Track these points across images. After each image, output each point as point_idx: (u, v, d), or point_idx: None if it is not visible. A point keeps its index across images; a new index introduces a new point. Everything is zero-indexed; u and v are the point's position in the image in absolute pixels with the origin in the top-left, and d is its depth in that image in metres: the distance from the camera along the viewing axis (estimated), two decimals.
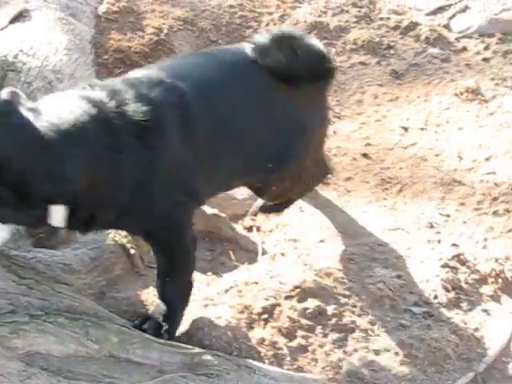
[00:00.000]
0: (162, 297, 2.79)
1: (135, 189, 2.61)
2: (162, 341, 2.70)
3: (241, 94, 2.87)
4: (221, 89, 2.84)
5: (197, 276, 2.95)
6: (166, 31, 3.68)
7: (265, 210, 3.28)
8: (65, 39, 3.47)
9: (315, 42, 2.96)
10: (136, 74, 2.74)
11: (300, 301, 2.87)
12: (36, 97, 2.99)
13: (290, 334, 2.79)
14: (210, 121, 2.77)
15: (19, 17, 3.52)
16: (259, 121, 2.88)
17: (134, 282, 3.03)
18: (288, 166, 2.95)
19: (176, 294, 2.80)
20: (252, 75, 2.89)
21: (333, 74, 2.99)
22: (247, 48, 2.87)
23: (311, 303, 2.85)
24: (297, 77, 2.86)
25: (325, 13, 3.98)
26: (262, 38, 2.90)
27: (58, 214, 2.48)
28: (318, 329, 2.79)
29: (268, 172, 2.93)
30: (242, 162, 2.91)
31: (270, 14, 3.95)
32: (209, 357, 2.67)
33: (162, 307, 2.74)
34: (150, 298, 2.95)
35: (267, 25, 3.89)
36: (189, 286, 2.81)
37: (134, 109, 2.57)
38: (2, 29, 3.46)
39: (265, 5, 4.08)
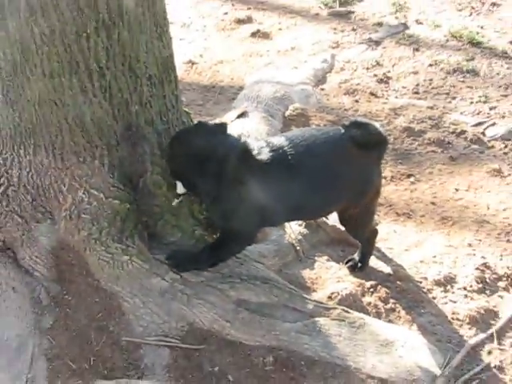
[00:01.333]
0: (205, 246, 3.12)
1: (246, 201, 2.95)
2: (312, 298, 3.20)
3: (329, 155, 3.04)
4: (316, 152, 3.01)
5: (335, 265, 3.50)
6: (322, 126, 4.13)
7: (352, 267, 3.48)
8: (265, 129, 4.03)
9: (378, 125, 3.16)
10: (276, 138, 3.06)
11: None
12: None
13: (385, 300, 3.36)
14: (307, 174, 3.00)
15: (242, 115, 4.04)
16: (343, 173, 3.08)
17: (297, 265, 3.50)
18: (362, 198, 3.18)
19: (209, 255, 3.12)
20: (341, 143, 3.06)
21: (386, 145, 3.25)
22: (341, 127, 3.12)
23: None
24: (368, 145, 3.09)
25: (412, 122, 4.50)
26: (349, 121, 3.17)
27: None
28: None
29: (349, 202, 3.16)
30: (332, 200, 3.18)
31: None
32: (337, 310, 3.13)
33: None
34: (306, 274, 3.46)
35: None
36: (217, 260, 3.12)
37: (260, 157, 2.94)
38: (232, 121, 3.96)
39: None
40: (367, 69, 5.02)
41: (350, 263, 3.53)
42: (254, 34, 5.30)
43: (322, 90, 4.78)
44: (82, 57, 2.84)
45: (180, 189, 3.09)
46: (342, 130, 3.10)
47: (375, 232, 3.50)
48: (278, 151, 2.98)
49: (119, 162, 3.12)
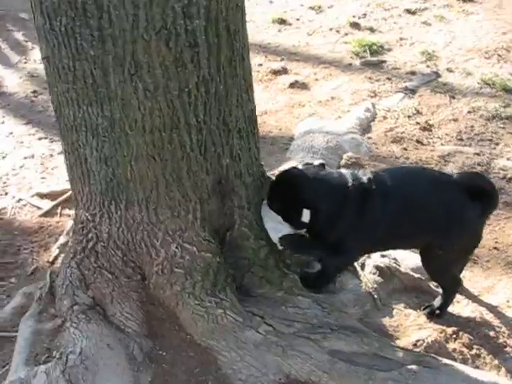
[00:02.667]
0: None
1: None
2: (397, 345, 3.17)
3: (429, 192, 3.13)
4: (415, 188, 3.12)
5: (414, 312, 3.46)
6: None
7: (430, 314, 3.43)
8: None
9: (490, 181, 3.35)
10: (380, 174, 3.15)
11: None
12: None
13: (469, 346, 3.33)
14: (400, 206, 3.07)
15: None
16: (438, 210, 3.12)
17: (377, 314, 3.46)
18: (450, 240, 3.16)
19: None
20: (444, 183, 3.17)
21: (494, 200, 3.25)
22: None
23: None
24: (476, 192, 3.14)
25: (462, 168, 4.50)
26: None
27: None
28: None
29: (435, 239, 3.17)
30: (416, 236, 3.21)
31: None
32: (427, 358, 3.09)
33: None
34: (387, 322, 3.42)
35: None
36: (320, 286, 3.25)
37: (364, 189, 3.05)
38: None
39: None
40: (408, 117, 5.06)
41: (427, 310, 3.50)
42: (292, 85, 5.35)
43: (369, 138, 4.82)
44: (182, 112, 2.84)
45: (306, 217, 3.05)
46: (454, 175, 3.23)
47: (459, 281, 3.51)
48: (385, 183, 3.10)
49: (209, 216, 3.10)
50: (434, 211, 3.13)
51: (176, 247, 3.08)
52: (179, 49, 2.73)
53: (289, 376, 3.06)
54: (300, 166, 3.15)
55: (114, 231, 3.11)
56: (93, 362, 2.95)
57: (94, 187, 3.09)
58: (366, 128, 4.88)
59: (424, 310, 3.54)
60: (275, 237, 3.18)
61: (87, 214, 3.14)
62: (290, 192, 3.05)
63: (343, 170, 3.20)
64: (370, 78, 5.56)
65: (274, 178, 3.24)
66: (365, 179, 3.07)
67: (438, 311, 3.49)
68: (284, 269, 3.32)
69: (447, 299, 3.48)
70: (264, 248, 3.28)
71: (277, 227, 3.17)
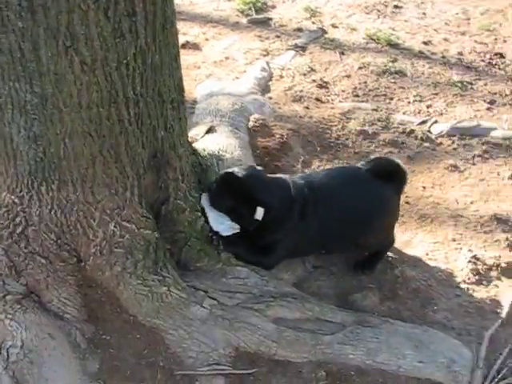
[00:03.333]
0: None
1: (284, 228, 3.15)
2: (340, 308, 3.20)
3: (351, 191, 3.30)
4: (339, 189, 3.28)
5: None
6: (285, 136, 4.26)
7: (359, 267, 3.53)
8: (236, 142, 3.96)
9: (398, 161, 3.54)
10: (299, 177, 3.32)
11: None
12: None
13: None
14: (331, 207, 3.22)
15: (209, 131, 3.98)
16: (362, 205, 3.31)
17: (309, 278, 3.49)
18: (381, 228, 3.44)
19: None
20: (359, 178, 3.37)
21: (405, 179, 3.52)
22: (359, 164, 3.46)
23: None
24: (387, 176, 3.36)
25: (364, 125, 4.60)
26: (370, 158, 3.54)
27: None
28: None
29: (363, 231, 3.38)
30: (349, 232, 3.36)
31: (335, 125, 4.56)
32: (366, 317, 3.17)
33: None
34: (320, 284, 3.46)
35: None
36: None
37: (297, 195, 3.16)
38: (202, 137, 3.93)
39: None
40: (304, 75, 5.07)
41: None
42: (183, 46, 5.16)
43: (270, 98, 4.77)
44: (121, 85, 2.69)
45: (259, 215, 3.06)
46: (363, 167, 3.38)
47: (393, 241, 3.61)
48: (315, 188, 3.23)
49: (145, 191, 2.97)
50: (358, 210, 3.30)
51: (114, 226, 2.93)
52: (118, 18, 2.56)
53: (238, 348, 3.03)
54: (243, 168, 3.18)
55: (45, 214, 2.91)
56: (37, 355, 2.78)
57: (20, 168, 2.86)
58: (264, 88, 4.82)
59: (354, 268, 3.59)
60: (217, 225, 3.15)
61: (13, 197, 2.92)
62: (245, 190, 3.05)
63: (281, 175, 3.34)
64: (259, 37, 5.50)
65: (219, 176, 3.22)
66: (300, 184, 3.18)
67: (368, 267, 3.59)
68: None
69: (381, 257, 3.60)
70: (199, 219, 3.20)
71: (218, 218, 3.13)
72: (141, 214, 2.96)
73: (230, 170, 3.15)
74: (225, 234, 3.09)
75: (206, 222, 3.17)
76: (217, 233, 3.12)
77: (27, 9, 2.46)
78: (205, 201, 3.15)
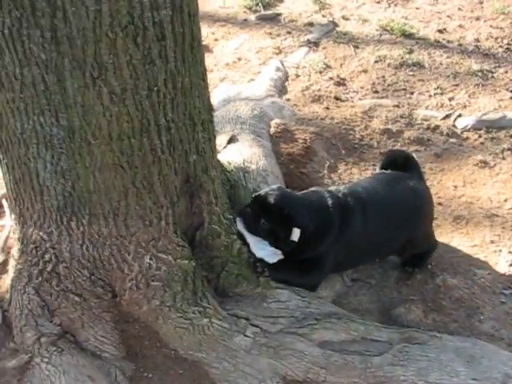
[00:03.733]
0: None
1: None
2: (384, 325, 3.06)
3: (395, 193, 3.28)
4: (383, 194, 3.23)
5: None
6: (308, 141, 4.11)
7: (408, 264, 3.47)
8: (260, 151, 3.80)
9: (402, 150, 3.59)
10: (342, 188, 3.21)
11: None
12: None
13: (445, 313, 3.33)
14: (377, 216, 3.17)
15: (231, 140, 3.83)
16: (408, 204, 3.30)
17: (348, 292, 3.41)
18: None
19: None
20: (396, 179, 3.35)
21: (417, 164, 3.51)
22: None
23: None
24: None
25: (387, 123, 4.44)
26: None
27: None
28: None
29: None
30: (400, 234, 3.30)
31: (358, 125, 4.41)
32: (412, 332, 3.02)
33: None
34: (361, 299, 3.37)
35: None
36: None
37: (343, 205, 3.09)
38: (224, 147, 3.78)
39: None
40: (320, 72, 4.89)
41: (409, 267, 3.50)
42: None
43: (288, 100, 4.61)
44: (152, 113, 2.53)
45: (296, 236, 2.91)
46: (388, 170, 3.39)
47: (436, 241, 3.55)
48: (361, 197, 3.16)
49: (178, 219, 2.81)
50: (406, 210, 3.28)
51: (150, 258, 2.78)
52: (147, 44, 2.40)
53: (285, 377, 2.88)
54: (273, 189, 3.05)
55: (76, 249, 2.76)
56: None
57: (48, 203, 2.71)
58: (281, 89, 4.65)
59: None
60: (259, 252, 3.01)
61: (41, 233, 2.77)
62: (278, 213, 2.91)
63: (316, 188, 3.24)
64: (270, 34, 5.32)
65: (251, 199, 3.05)
66: (341, 196, 3.10)
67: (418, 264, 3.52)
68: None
69: (430, 254, 3.54)
70: (235, 243, 3.04)
71: (259, 244, 2.99)
72: (176, 243, 2.81)
73: (262, 193, 3.01)
74: (270, 261, 2.95)
75: (245, 245, 3.02)
76: (261, 259, 2.96)
77: (51, 40, 2.30)
78: (241, 226, 2.99)
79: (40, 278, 2.81)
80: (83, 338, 2.82)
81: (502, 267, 3.59)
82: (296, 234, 2.91)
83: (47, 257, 2.79)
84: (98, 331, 2.82)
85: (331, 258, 3.09)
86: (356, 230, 3.09)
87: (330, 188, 3.23)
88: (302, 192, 3.20)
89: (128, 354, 2.86)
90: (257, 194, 3.05)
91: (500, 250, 3.70)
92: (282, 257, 2.98)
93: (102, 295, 2.82)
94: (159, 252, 2.78)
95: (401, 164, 3.41)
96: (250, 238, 2.99)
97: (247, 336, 2.90)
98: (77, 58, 2.34)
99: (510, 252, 3.68)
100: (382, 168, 3.48)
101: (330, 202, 3.06)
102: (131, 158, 2.56)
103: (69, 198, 2.65)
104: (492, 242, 3.75)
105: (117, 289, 2.83)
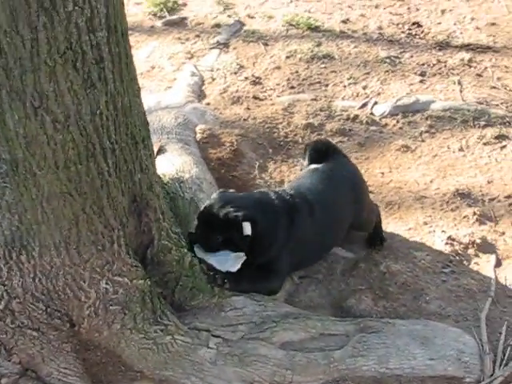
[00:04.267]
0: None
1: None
2: (339, 318, 3.12)
3: (333, 183, 3.36)
4: (326, 194, 3.30)
5: None
6: (235, 143, 4.12)
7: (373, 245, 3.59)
8: (190, 158, 3.79)
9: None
10: (287, 188, 3.27)
11: None
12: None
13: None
14: (324, 213, 3.22)
15: (159, 151, 3.79)
16: (348, 189, 3.39)
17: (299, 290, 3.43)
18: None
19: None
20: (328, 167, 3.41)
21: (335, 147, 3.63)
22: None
23: None
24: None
25: (308, 117, 4.51)
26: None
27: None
28: None
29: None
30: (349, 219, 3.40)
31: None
32: (366, 322, 3.10)
33: None
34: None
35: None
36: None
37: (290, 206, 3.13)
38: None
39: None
40: (235, 73, 4.90)
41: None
42: None
43: (208, 104, 4.58)
44: (97, 137, 2.47)
45: (247, 229, 2.92)
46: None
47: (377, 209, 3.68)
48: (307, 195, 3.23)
49: (129, 239, 2.76)
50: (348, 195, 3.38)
51: (106, 283, 2.72)
52: (87, 68, 2.33)
53: (253, 383, 2.86)
54: (213, 198, 3.09)
55: (28, 283, 2.66)
56: None
57: None
58: (200, 94, 4.61)
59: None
60: (224, 266, 3.00)
61: None
62: (225, 217, 2.92)
63: (261, 190, 3.35)
64: (179, 39, 5.28)
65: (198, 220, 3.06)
66: (287, 196, 3.14)
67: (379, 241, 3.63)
68: (207, 273, 3.07)
69: (381, 226, 3.67)
70: (187, 256, 3.00)
71: (220, 259, 2.99)
72: (131, 264, 2.76)
73: (203, 210, 3.04)
74: (235, 268, 2.95)
75: (209, 268, 3.03)
76: (218, 271, 2.95)
77: None
78: (199, 251, 2.99)
79: None
80: (45, 372, 2.72)
81: (437, 247, 3.69)
82: (247, 228, 2.92)
83: None
84: (60, 363, 2.73)
85: (285, 260, 3.10)
86: (305, 229, 3.13)
87: (274, 189, 3.28)
88: (247, 193, 3.26)
89: (93, 382, 2.77)
90: (199, 211, 3.06)
91: (434, 231, 3.80)
92: (244, 257, 2.97)
93: (60, 326, 2.72)
94: (115, 275, 2.71)
95: (324, 152, 3.47)
96: (212, 259, 2.98)
97: (210, 348, 2.87)
98: (15, 89, 2.25)
99: (443, 231, 3.79)
100: (311, 162, 3.51)
101: (276, 201, 3.09)
102: (79, 184, 2.48)
103: (16, 231, 2.55)
104: (425, 223, 3.85)
105: (74, 318, 2.74)
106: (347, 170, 3.49)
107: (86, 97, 2.36)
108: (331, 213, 3.27)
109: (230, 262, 2.96)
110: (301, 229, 3.10)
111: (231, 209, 2.97)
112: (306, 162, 3.54)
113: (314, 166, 3.44)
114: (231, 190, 3.21)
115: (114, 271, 2.71)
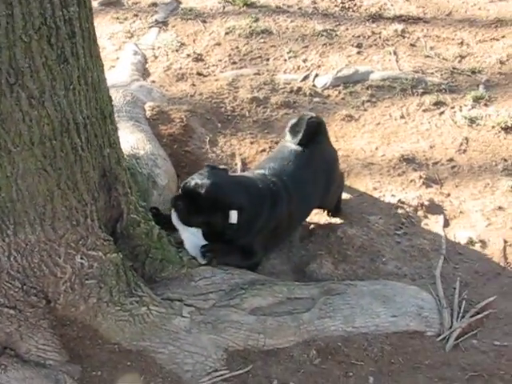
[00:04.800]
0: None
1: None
2: (303, 283, 3.23)
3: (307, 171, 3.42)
4: (299, 172, 3.38)
5: None
6: (185, 119, 4.15)
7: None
8: (143, 135, 3.83)
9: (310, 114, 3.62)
10: (259, 170, 3.32)
11: None
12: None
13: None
14: (298, 192, 3.32)
15: None
16: (317, 178, 3.47)
17: None
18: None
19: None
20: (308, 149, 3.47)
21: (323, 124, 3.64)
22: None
23: None
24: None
25: (253, 91, 4.57)
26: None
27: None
28: None
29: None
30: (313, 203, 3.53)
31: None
32: (329, 284, 3.21)
33: None
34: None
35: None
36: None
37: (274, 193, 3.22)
38: None
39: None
40: (176, 51, 4.92)
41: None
42: None
43: (154, 82, 4.60)
44: (70, 112, 2.49)
45: (234, 218, 2.95)
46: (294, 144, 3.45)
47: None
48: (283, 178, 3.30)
49: (100, 214, 2.80)
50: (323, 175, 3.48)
51: (81, 258, 2.75)
52: (60, 44, 2.37)
53: (227, 349, 2.95)
54: (202, 175, 3.04)
55: (4, 262, 2.67)
56: None
57: None
58: (144, 72, 4.63)
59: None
60: (192, 249, 3.08)
61: None
62: (212, 199, 2.95)
63: (246, 173, 3.39)
64: (117, 19, 5.26)
65: (182, 190, 3.08)
66: (269, 180, 3.21)
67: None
68: (174, 244, 3.16)
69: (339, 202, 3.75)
70: (155, 228, 3.06)
71: (192, 239, 3.06)
72: (103, 238, 2.79)
73: (190, 183, 3.02)
74: (201, 261, 3.05)
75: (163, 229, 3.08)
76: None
77: None
78: (175, 220, 3.04)
79: None
80: (24, 349, 2.73)
81: (388, 210, 3.84)
82: (234, 216, 2.97)
83: None
84: (38, 340, 2.74)
85: (263, 241, 3.22)
86: (283, 216, 3.23)
87: (256, 171, 3.33)
88: (234, 176, 3.31)
89: (71, 357, 2.80)
90: (185, 182, 3.06)
91: (384, 195, 3.96)
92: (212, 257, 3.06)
93: (37, 303, 2.74)
94: (89, 250, 2.74)
95: (315, 132, 3.50)
96: (185, 233, 3.03)
97: (184, 316, 2.94)
98: None
99: (392, 195, 3.95)
100: (303, 138, 3.49)
101: (261, 188, 3.16)
102: (54, 160, 2.50)
103: None
104: (375, 188, 4.01)
105: (50, 294, 2.75)
106: (328, 156, 3.57)
107: (60, 72, 2.38)
108: (306, 200, 3.39)
109: (198, 252, 3.06)
110: (280, 216, 3.21)
111: (219, 194, 3.02)
112: (290, 138, 3.53)
113: (298, 148, 3.46)
114: (221, 167, 3.29)
115: (88, 246, 2.73)
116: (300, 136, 3.42)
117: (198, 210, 2.95)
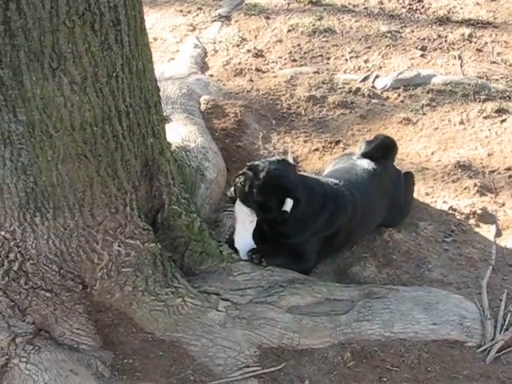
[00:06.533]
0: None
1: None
2: (344, 284, 3.18)
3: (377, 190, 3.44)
4: (369, 189, 3.39)
5: None
6: (239, 114, 4.15)
7: None
8: (195, 128, 3.82)
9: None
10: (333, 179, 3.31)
11: None
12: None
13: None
14: (364, 208, 3.33)
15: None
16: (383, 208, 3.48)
17: None
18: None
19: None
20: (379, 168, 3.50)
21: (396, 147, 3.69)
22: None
23: None
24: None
25: (311, 89, 4.50)
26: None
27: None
28: None
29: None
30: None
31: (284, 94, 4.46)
32: (370, 288, 3.16)
33: None
34: None
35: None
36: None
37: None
38: None
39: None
40: (237, 46, 4.91)
41: None
42: None
43: (212, 76, 4.60)
44: (112, 99, 2.50)
45: (288, 206, 2.99)
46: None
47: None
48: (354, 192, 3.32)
49: (141, 203, 2.80)
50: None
51: (119, 245, 2.76)
52: (104, 30, 2.38)
53: (261, 346, 2.91)
54: (275, 158, 3.15)
55: (42, 245, 2.70)
56: None
57: (9, 201, 2.62)
58: (203, 65, 4.63)
59: None
60: (242, 243, 3.09)
61: (2, 233, 2.67)
62: (275, 182, 2.98)
63: (319, 177, 3.40)
64: (181, 11, 5.28)
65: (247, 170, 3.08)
66: (337, 189, 3.22)
67: None
68: (215, 238, 3.17)
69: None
70: (196, 220, 3.06)
71: (243, 233, 3.08)
72: (142, 227, 2.80)
73: (257, 163, 3.07)
74: (243, 257, 3.07)
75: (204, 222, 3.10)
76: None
77: (4, 33, 2.21)
78: (238, 206, 3.08)
79: (7, 278, 2.73)
80: (58, 332, 2.75)
81: (439, 217, 3.72)
82: (288, 204, 2.98)
83: (12, 256, 2.71)
84: (73, 324, 2.77)
85: (315, 247, 3.19)
86: (343, 223, 3.21)
87: (330, 179, 3.33)
88: (305, 174, 3.36)
89: (105, 343, 2.81)
90: (252, 163, 3.09)
91: (435, 201, 3.84)
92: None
93: (73, 288, 2.76)
94: (127, 238, 2.75)
95: (385, 150, 3.58)
96: (239, 224, 3.05)
97: (220, 310, 2.92)
98: (34, 50, 2.27)
99: (444, 202, 3.83)
100: (372, 152, 3.57)
101: (326, 192, 3.17)
102: (94, 146, 2.51)
103: (31, 193, 2.58)
104: (427, 194, 3.89)
105: (87, 280, 2.78)
106: (394, 176, 3.58)
107: (103, 59, 2.39)
108: (370, 217, 3.39)
109: (245, 245, 3.07)
110: (340, 226, 3.21)
111: (281, 179, 3.04)
112: (361, 152, 3.59)
113: (366, 162, 3.50)
114: (292, 162, 3.37)
115: (126, 234, 2.74)
116: (372, 149, 3.52)
117: (257, 189, 2.96)
